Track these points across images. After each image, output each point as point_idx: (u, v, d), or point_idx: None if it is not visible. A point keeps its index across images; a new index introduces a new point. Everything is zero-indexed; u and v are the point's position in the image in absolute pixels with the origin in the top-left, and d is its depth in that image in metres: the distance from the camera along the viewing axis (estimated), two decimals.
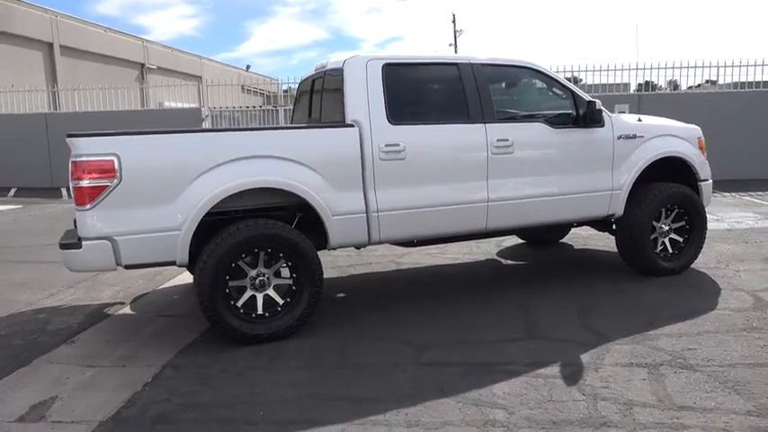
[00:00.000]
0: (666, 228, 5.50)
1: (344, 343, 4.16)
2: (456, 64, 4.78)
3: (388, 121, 4.46)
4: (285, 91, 16.17)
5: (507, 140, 4.77)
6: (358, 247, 4.94)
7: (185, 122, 14.47)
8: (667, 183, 5.45)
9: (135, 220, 3.90)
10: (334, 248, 4.56)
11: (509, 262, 6.44)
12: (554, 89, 5.18)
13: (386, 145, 4.42)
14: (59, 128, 14.33)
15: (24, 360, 4.04)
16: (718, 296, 4.85)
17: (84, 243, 3.86)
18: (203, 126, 14.55)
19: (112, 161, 3.81)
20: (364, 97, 4.45)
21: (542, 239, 7.09)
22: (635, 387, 3.29)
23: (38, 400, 3.44)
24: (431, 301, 5.04)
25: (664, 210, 5.45)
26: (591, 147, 5.12)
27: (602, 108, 5.08)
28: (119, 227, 3.87)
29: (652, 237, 5.44)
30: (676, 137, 5.54)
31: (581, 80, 14.47)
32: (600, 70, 13.43)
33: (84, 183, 3.80)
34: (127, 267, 4.03)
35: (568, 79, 14.08)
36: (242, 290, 4.19)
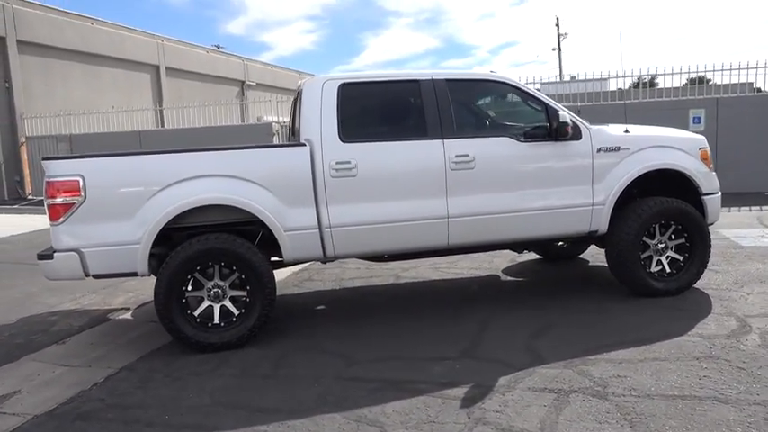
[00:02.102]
0: (662, 245, 5.15)
1: (287, 354, 4.33)
2: (417, 81, 4.82)
3: (340, 139, 4.59)
4: None
5: (467, 156, 4.73)
6: (324, 262, 5.10)
7: (258, 137, 15.32)
8: (659, 197, 5.11)
9: (99, 234, 4.33)
10: (291, 263, 4.76)
11: (509, 278, 6.29)
12: (528, 102, 5.05)
13: (336, 162, 4.56)
14: (152, 144, 15.75)
15: (15, 356, 4.60)
16: (700, 321, 4.48)
17: (55, 255, 4.34)
18: (274, 140, 15.32)
19: (78, 181, 4.26)
20: (317, 117, 4.62)
21: (558, 255, 6.86)
22: (529, 413, 3.19)
23: (3, 392, 3.93)
24: (399, 316, 5.09)
25: (657, 226, 5.12)
26: (564, 160, 4.93)
27: (574, 120, 4.89)
28: (85, 240, 4.32)
29: (645, 255, 5.13)
30: (672, 148, 5.18)
31: (710, 80, 13.51)
32: (723, 69, 12.34)
33: (55, 201, 4.28)
34: (95, 277, 4.47)
35: (692, 80, 13.26)
36: (201, 300, 4.50)
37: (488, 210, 4.81)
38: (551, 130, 4.84)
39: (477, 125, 5.18)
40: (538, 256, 7.00)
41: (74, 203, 4.28)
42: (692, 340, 4.10)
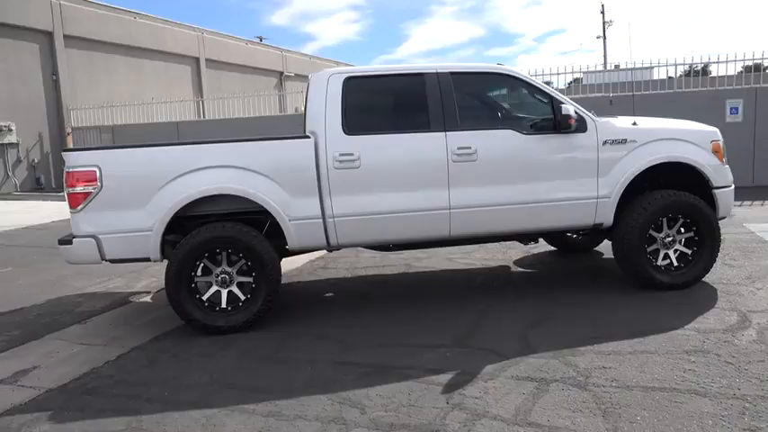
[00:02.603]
0: (669, 239, 5.11)
1: (289, 338, 4.51)
2: (421, 74, 4.89)
3: (344, 131, 4.72)
4: None
5: (470, 148, 4.79)
6: (330, 250, 5.24)
7: (294, 127, 15.54)
8: (666, 190, 5.07)
9: (114, 222, 4.57)
10: (296, 252, 4.92)
11: (518, 269, 6.33)
12: (534, 95, 5.07)
13: (340, 154, 4.68)
14: (189, 134, 16.21)
15: (40, 334, 4.91)
16: (700, 315, 4.45)
17: (74, 240, 4.62)
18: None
19: (95, 171, 4.52)
20: (322, 109, 4.75)
21: (573, 247, 6.84)
22: (506, 400, 3.27)
23: (24, 367, 4.23)
24: (402, 304, 5.21)
25: (665, 219, 5.08)
26: (569, 153, 4.93)
27: (579, 113, 4.89)
28: (101, 227, 4.58)
29: (652, 248, 5.11)
30: (681, 140, 5.11)
31: (767, 68, 13.03)
32: None
33: (74, 189, 4.55)
34: (111, 262, 4.73)
35: (747, 68, 12.70)
36: (210, 285, 4.71)
37: (490, 201, 4.86)
38: (555, 122, 4.85)
39: (481, 118, 5.22)
40: (552, 248, 7.00)
41: (91, 192, 4.54)
42: (687, 334, 4.09)
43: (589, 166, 4.97)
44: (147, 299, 5.92)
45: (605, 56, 44.07)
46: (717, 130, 5.33)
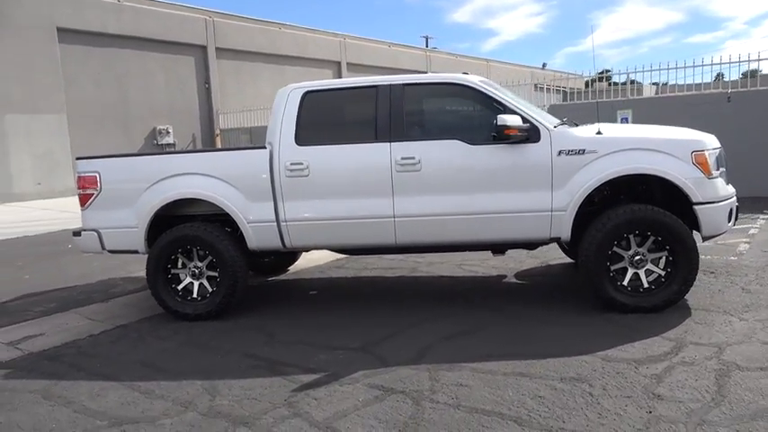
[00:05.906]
0: (638, 258, 4.72)
1: (234, 329, 4.99)
2: (375, 86, 5.07)
3: (296, 142, 5.08)
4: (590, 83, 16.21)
5: (413, 158, 4.87)
6: (296, 252, 5.62)
7: None
8: (630, 205, 4.69)
9: (110, 219, 5.42)
10: (256, 251, 5.37)
11: (513, 281, 6.16)
12: (493, 104, 4.97)
13: (291, 164, 5.06)
14: None
15: (67, 308, 5.95)
16: (630, 342, 4.10)
17: (82, 233, 5.55)
18: None
19: (95, 176, 5.39)
20: (279, 122, 5.17)
21: None
22: (335, 405, 3.42)
23: (33, 333, 5.22)
24: (362, 308, 5.44)
25: (632, 236, 4.70)
26: (519, 163, 4.78)
27: (531, 122, 4.73)
28: (101, 223, 5.45)
29: (618, 266, 4.76)
30: (653, 150, 4.67)
31: None
32: None
33: (83, 191, 5.47)
34: (110, 252, 5.60)
35: None
36: (186, 276, 5.38)
37: (434, 211, 4.90)
38: (500, 132, 4.74)
39: (429, 128, 5.22)
40: (570, 261, 6.66)
41: (93, 194, 5.43)
42: (588, 360, 3.83)
43: (542, 177, 4.77)
44: None
45: None
46: (704, 139, 4.77)
